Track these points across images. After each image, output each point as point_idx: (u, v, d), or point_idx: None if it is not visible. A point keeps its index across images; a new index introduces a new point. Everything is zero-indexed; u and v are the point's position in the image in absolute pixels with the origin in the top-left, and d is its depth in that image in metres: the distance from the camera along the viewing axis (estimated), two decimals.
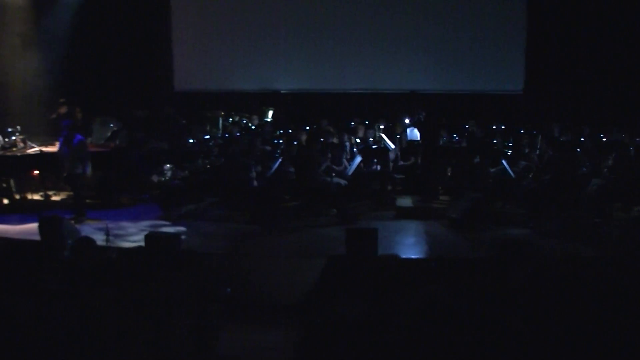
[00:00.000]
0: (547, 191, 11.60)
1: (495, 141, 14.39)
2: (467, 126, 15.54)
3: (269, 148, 13.89)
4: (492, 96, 16.98)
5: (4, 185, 13.39)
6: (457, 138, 14.60)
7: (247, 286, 9.58)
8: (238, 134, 15.08)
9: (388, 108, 16.20)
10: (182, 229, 11.32)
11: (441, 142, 13.96)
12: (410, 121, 14.94)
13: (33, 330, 4.19)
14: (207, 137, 15.25)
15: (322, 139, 13.35)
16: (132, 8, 17.76)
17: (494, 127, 15.66)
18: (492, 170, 12.90)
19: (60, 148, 12.00)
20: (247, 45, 17.72)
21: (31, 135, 13.73)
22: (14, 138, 13.38)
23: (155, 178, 12.69)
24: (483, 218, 11.55)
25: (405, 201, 12.79)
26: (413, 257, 9.92)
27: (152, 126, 15.56)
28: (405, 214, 12.23)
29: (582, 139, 14.17)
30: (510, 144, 14.23)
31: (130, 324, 4.72)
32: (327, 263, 7.16)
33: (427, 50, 17.02)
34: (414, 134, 14.21)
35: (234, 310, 8.23)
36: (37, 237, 9.17)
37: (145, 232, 8.65)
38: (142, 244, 8.14)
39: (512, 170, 12.37)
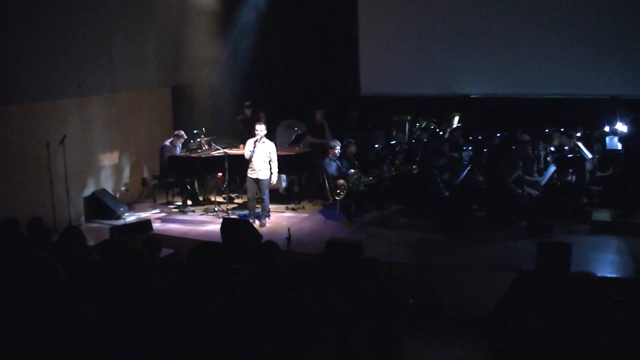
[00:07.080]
0: None
1: None
2: None
3: (456, 155, 13.58)
4: None
5: (189, 187, 13.89)
6: None
7: (431, 297, 9.43)
8: (425, 140, 14.87)
9: (586, 114, 15.41)
10: (365, 236, 11.25)
11: None
12: (610, 129, 14.20)
13: (222, 330, 4.23)
14: (393, 142, 15.13)
15: (514, 147, 12.91)
16: (320, 11, 18.02)
17: None
18: None
19: (249, 151, 12.17)
20: (435, 48, 17.40)
21: (216, 138, 14.12)
22: (199, 140, 13.82)
23: (341, 183, 12.68)
24: None
25: (603, 215, 12.10)
26: (610, 275, 9.34)
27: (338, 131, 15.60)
28: (602, 228, 11.56)
29: None
30: None
31: (315, 328, 4.70)
32: (515, 277, 6.93)
33: (629, 52, 15.97)
34: (614, 142, 13.52)
35: (416, 321, 8.11)
36: (219, 239, 9.49)
37: (327, 239, 8.68)
38: (323, 250, 8.21)
39: None
